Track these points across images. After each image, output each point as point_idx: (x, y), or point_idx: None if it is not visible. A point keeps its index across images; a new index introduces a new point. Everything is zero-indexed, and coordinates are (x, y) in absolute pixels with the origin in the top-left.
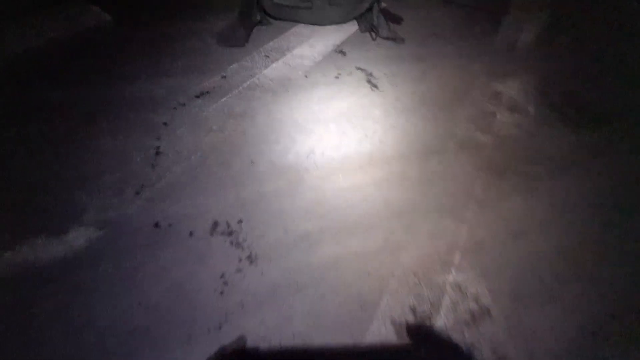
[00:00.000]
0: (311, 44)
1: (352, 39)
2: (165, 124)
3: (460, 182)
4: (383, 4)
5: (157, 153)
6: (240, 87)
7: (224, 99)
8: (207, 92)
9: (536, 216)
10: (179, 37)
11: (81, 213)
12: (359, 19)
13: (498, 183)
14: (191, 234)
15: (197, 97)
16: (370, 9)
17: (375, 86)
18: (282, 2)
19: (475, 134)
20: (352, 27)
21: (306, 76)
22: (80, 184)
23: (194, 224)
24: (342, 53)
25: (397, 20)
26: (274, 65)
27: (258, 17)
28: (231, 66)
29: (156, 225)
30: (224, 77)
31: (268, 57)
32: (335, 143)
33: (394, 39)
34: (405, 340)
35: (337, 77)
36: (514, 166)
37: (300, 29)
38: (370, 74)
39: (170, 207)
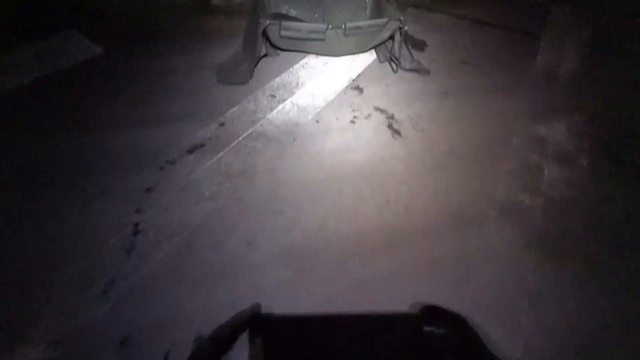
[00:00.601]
0: (323, 79)
1: (369, 71)
2: (149, 190)
3: (506, 267)
4: (406, 28)
5: (136, 232)
6: (240, 138)
7: (221, 153)
8: (202, 144)
9: (612, 324)
10: (174, 74)
11: (33, 321)
12: (377, 48)
13: (554, 269)
14: (167, 356)
15: (190, 152)
16: (391, 38)
17: (398, 132)
18: (290, 34)
19: (519, 196)
20: (369, 56)
21: (317, 121)
22: (39, 277)
23: (172, 337)
24: (359, 90)
25: (420, 46)
26: (280, 107)
27: (264, 51)
28: (231, 110)
29: (124, 342)
30: (222, 124)
31: (274, 96)
32: (351, 213)
33: (418, 70)
34: None
35: (352, 122)
36: (571, 242)
37: (311, 60)
38: (392, 117)
39: (144, 313)
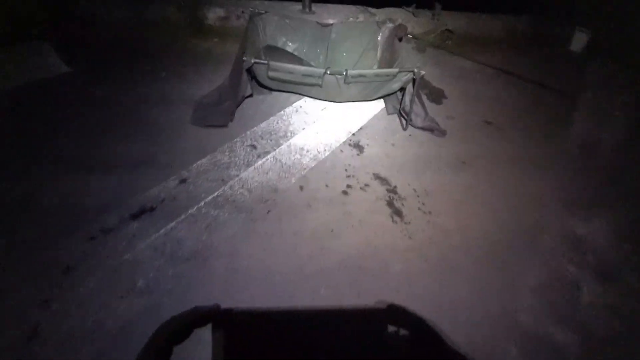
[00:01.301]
0: (318, 130)
1: (374, 125)
2: (67, 269)
3: None
4: (422, 72)
5: (32, 337)
6: (202, 202)
7: (172, 223)
8: (152, 207)
9: None
10: (144, 106)
11: None
12: (387, 97)
13: None
14: None
15: (134, 217)
16: (402, 89)
17: (399, 213)
18: (279, 76)
19: (548, 328)
20: (376, 105)
21: (301, 187)
22: None
23: None
24: (358, 148)
25: (437, 96)
26: (259, 162)
27: (249, 90)
28: (200, 161)
29: None
30: (184, 180)
31: (254, 147)
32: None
33: (432, 130)
34: None
35: (345, 192)
36: None
37: (308, 103)
38: (394, 190)
39: None
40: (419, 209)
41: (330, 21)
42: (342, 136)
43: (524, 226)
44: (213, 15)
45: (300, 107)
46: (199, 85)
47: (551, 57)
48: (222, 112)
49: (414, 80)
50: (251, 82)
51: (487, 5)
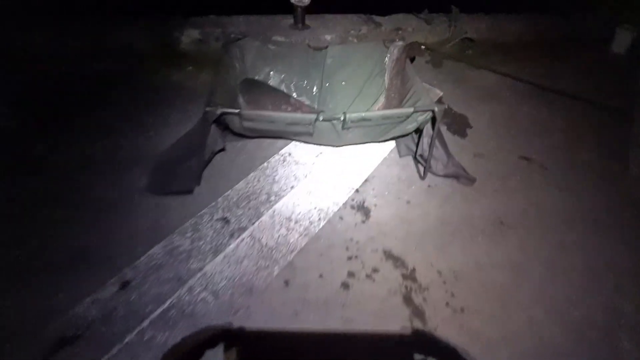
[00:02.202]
0: (310, 187)
1: (383, 174)
2: None
3: None
4: (444, 106)
5: None
6: (146, 322)
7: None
8: (73, 337)
9: None
10: (84, 171)
11: None
12: (398, 137)
13: None
14: None
15: (58, 347)
16: (419, 130)
17: (420, 315)
18: (258, 127)
19: None
20: (385, 145)
21: (286, 282)
22: None
23: None
24: (363, 211)
25: (460, 127)
26: (232, 246)
27: (220, 144)
28: (152, 250)
29: None
30: (125, 284)
31: (227, 222)
32: None
33: (457, 177)
34: None
35: (345, 286)
36: None
37: (298, 149)
38: (412, 276)
39: None
40: (447, 304)
41: (327, 37)
42: (343, 195)
43: (604, 330)
44: (187, 38)
45: (289, 154)
46: (162, 136)
47: (592, 63)
48: (186, 173)
49: (433, 119)
50: (223, 133)
51: (510, 4)
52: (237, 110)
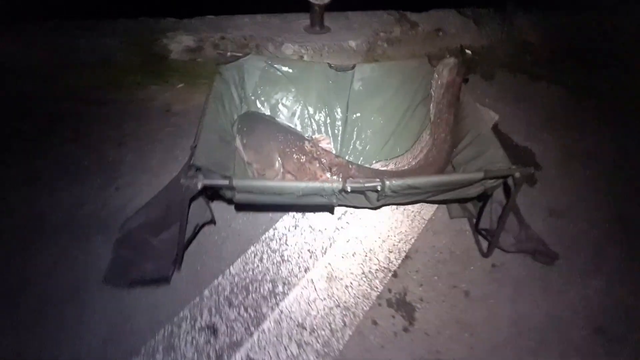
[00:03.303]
0: (329, 270)
1: (428, 247)
2: None
3: None
4: (529, 170)
5: None
6: None
7: None
8: None
9: None
10: (31, 241)
11: None
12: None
13: None
14: None
15: None
16: (484, 196)
17: None
18: (257, 200)
19: None
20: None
21: None
22: None
23: None
24: (404, 310)
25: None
26: None
27: (209, 216)
28: None
29: None
30: None
31: (214, 333)
32: None
33: (533, 253)
34: None
35: None
36: None
37: (311, 216)
38: None
39: None
40: None
41: (352, 44)
42: (376, 282)
43: None
44: (178, 46)
45: (302, 215)
46: (137, 187)
47: None
48: (162, 252)
49: (504, 185)
50: (210, 205)
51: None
52: (226, 181)
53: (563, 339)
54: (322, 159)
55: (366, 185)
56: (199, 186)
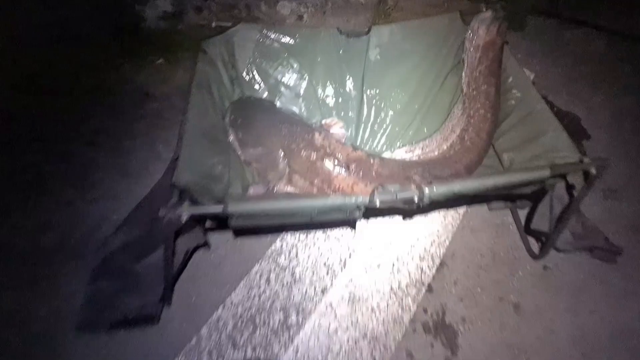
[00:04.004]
0: (352, 288)
1: (465, 248)
2: None
3: None
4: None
5: None
6: None
7: None
8: None
9: None
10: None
11: None
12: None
13: None
14: None
15: None
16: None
17: None
18: (261, 223)
19: None
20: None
21: None
22: None
23: None
24: (444, 335)
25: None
26: None
27: (202, 238)
28: None
29: None
30: None
31: None
32: None
33: (591, 249)
34: None
35: None
36: None
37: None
38: None
39: None
40: None
41: (360, 1)
42: (406, 301)
43: None
44: (153, 12)
45: (304, 244)
46: (114, 199)
47: None
48: (147, 282)
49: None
50: (201, 231)
51: None
52: (219, 207)
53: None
54: (337, 154)
55: (399, 196)
56: (184, 218)
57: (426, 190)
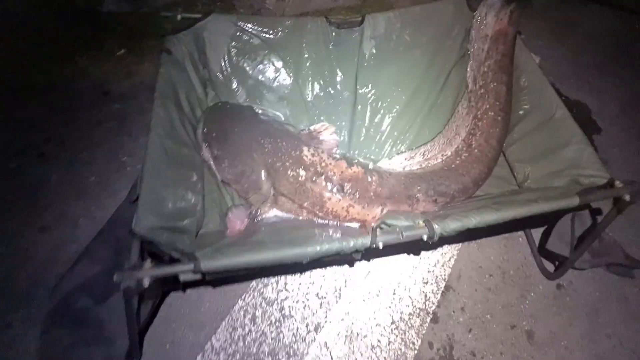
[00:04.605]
0: (351, 322)
1: (470, 265)
2: None
3: None
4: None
5: None
6: None
7: None
8: None
9: None
10: None
11: None
12: None
13: None
14: None
15: None
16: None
17: None
18: (244, 273)
19: None
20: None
21: None
22: None
23: None
24: None
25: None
26: None
27: (177, 282)
28: None
29: None
30: None
31: None
32: None
33: (607, 265)
34: None
35: None
36: None
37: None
38: None
39: None
40: None
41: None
42: (410, 335)
43: None
44: None
45: (289, 286)
46: (67, 227)
47: None
48: (112, 328)
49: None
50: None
51: None
52: (189, 266)
53: None
54: (329, 173)
55: (406, 236)
56: (146, 283)
57: (437, 227)
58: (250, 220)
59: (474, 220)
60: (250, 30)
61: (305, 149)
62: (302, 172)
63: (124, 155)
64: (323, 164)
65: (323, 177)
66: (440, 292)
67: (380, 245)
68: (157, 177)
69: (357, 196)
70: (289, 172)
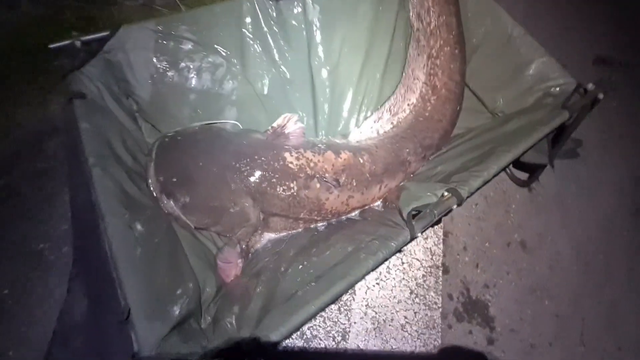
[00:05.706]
0: (368, 306)
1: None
2: None
3: None
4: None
5: None
6: None
7: None
8: None
9: None
10: None
11: None
12: None
13: None
14: None
15: None
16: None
17: None
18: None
19: None
20: None
21: None
22: None
23: None
24: (472, 314)
25: None
26: None
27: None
28: None
29: None
30: None
31: None
32: None
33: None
34: None
35: None
36: None
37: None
38: None
39: None
40: None
41: None
42: (430, 297)
43: None
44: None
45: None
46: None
47: None
48: None
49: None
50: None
51: None
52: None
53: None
54: (321, 171)
55: (438, 212)
56: None
57: (463, 191)
58: (244, 259)
59: (493, 170)
60: (174, 33)
61: (287, 155)
62: (292, 184)
63: (37, 242)
64: (312, 165)
65: (316, 179)
66: (441, 240)
67: (419, 234)
68: (137, 273)
69: (355, 184)
70: (278, 189)
